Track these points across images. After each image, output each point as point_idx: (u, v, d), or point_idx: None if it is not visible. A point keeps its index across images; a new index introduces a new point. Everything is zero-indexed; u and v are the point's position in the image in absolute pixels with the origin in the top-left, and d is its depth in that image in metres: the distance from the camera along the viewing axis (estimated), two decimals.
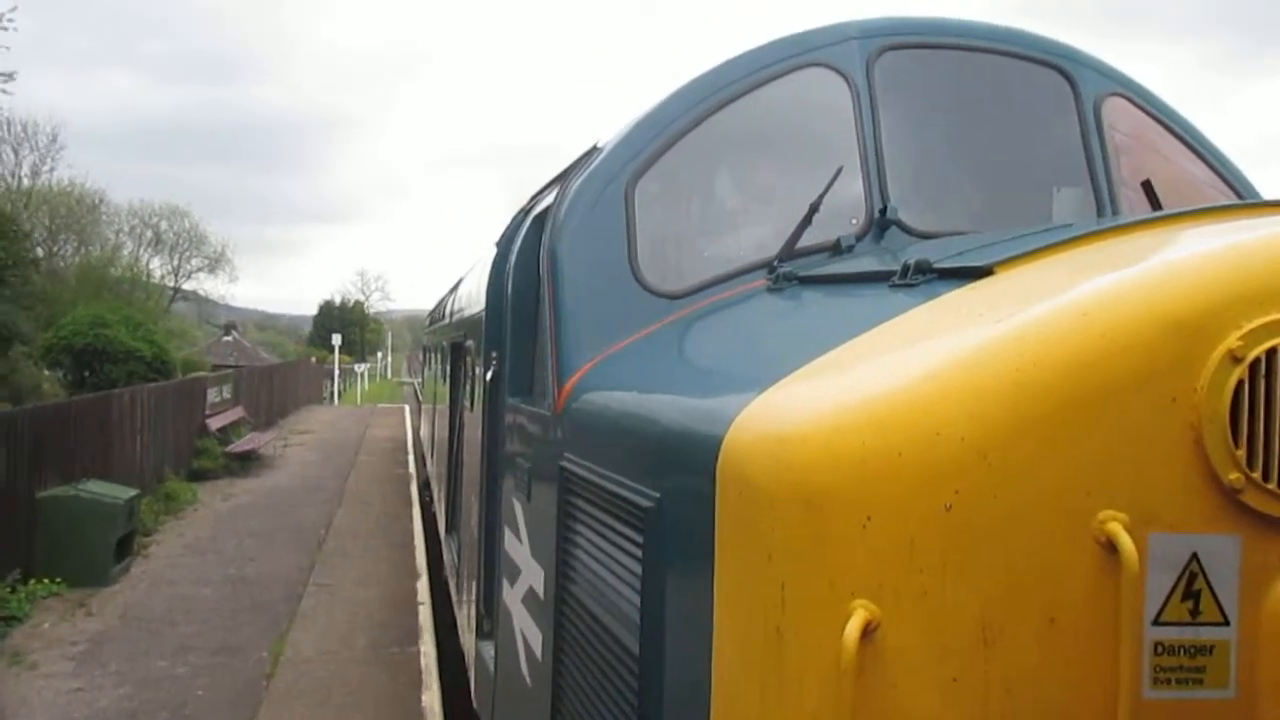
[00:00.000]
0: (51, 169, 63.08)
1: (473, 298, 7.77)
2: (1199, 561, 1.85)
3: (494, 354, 5.67)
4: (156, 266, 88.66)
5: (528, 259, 4.98)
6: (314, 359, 64.29)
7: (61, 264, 64.11)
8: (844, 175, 3.84)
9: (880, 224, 3.86)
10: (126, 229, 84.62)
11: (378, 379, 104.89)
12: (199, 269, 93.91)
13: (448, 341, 11.19)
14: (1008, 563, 1.81)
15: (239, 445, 23.34)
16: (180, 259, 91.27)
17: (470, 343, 7.74)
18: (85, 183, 67.25)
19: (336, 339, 60.68)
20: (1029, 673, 1.81)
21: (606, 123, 4.88)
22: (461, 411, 8.75)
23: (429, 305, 26.86)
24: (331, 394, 57.32)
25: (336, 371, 60.24)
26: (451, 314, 11.16)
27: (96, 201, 67.70)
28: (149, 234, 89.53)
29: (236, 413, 25.95)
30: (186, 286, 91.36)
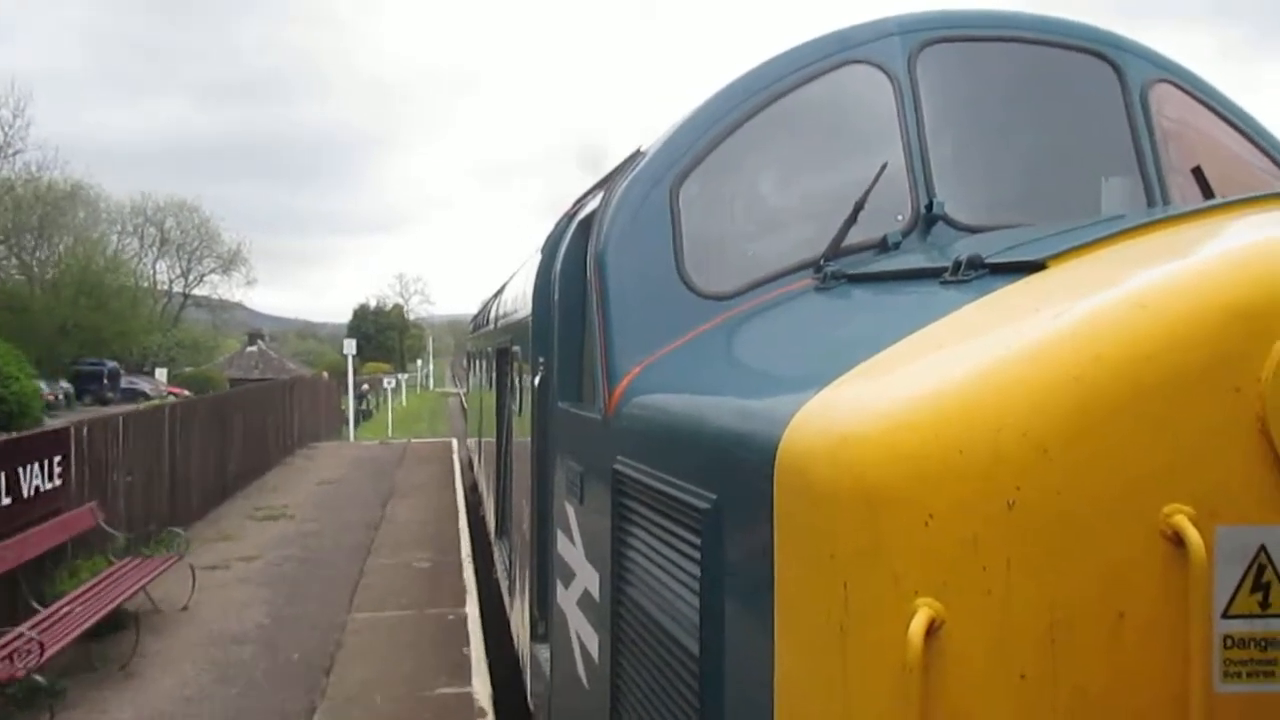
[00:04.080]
0: (18, 151, 54.60)
1: (518, 303, 7.83)
2: (1267, 553, 1.82)
3: (541, 359, 5.71)
4: (163, 269, 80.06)
5: (573, 264, 5.01)
6: (325, 374, 48.82)
7: (38, 269, 56.80)
8: (889, 171, 3.82)
9: (927, 219, 3.84)
10: (131, 228, 76.29)
11: (418, 390, 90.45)
12: (211, 270, 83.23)
13: (493, 347, 11.26)
14: (1073, 558, 1.80)
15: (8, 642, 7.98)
16: (189, 259, 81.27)
17: (517, 348, 7.79)
18: (55, 166, 58.99)
19: (350, 345, 39.17)
20: (1098, 669, 1.80)
21: (651, 126, 4.89)
22: (509, 417, 8.81)
23: (472, 309, 23.26)
24: (350, 421, 39.29)
25: (353, 392, 39.67)
26: (496, 320, 11.24)
27: (70, 190, 59.43)
28: (153, 232, 79.42)
29: (64, 529, 10.92)
30: (199, 291, 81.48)
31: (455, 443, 30.75)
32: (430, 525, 17.09)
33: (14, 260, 57.75)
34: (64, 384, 53.54)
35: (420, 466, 25.16)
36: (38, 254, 59.40)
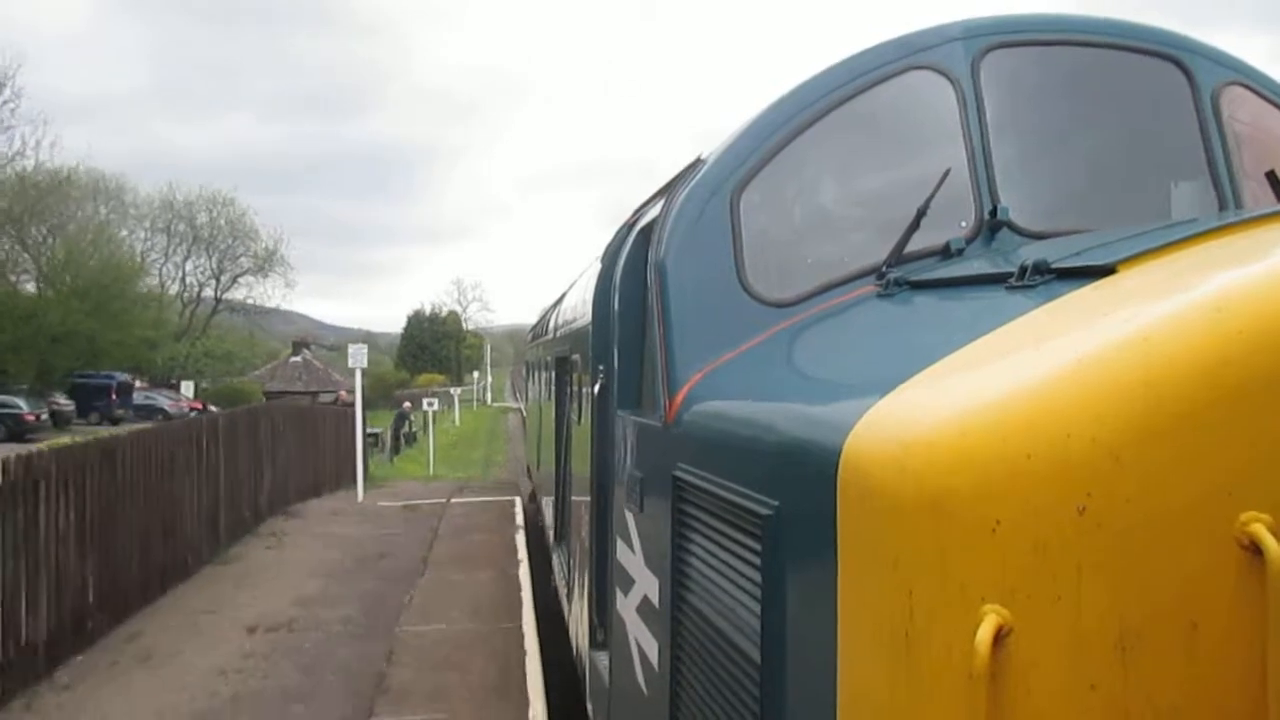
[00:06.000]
0: (9, 127, 48.65)
1: (578, 311, 7.88)
2: None
3: (601, 367, 5.73)
4: (193, 270, 70.59)
5: (634, 272, 5.04)
6: (343, 394, 41.35)
7: (48, 268, 50.62)
8: (952, 177, 3.79)
9: (991, 225, 3.80)
10: (160, 224, 68.26)
11: (474, 406, 79.29)
12: (246, 271, 73.07)
13: (553, 356, 11.32)
14: (1145, 566, 1.76)
15: None
16: (221, 258, 71.78)
17: (576, 356, 7.84)
18: (39, 144, 51.78)
19: (358, 354, 25.23)
20: (1171, 680, 1.76)
21: (711, 136, 4.90)
22: (568, 424, 8.85)
23: (534, 317, 22.06)
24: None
25: (360, 420, 25.64)
26: (556, 329, 11.30)
27: (65, 176, 52.70)
28: (183, 228, 70.01)
29: None
30: (233, 295, 71.74)
31: (518, 501, 21.24)
32: None
33: (29, 258, 51.18)
34: (61, 399, 47.94)
35: (459, 571, 14.34)
36: (45, 251, 52.42)
